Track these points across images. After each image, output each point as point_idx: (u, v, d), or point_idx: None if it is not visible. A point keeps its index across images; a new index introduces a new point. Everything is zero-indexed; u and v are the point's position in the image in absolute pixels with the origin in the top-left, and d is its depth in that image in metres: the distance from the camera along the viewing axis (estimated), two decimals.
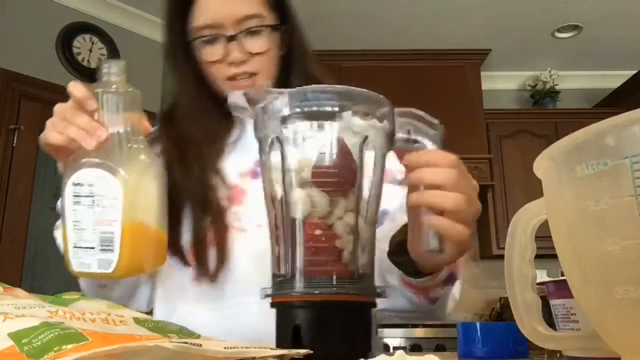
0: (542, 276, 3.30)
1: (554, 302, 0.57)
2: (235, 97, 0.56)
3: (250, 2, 0.86)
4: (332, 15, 3.39)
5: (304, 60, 0.95)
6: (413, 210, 0.60)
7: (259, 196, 0.85)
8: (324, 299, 0.50)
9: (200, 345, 0.34)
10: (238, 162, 0.89)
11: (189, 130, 0.89)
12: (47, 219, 3.14)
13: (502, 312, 3.53)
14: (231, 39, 0.85)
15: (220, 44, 0.85)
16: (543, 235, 0.48)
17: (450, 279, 0.75)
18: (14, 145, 2.83)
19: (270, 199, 0.55)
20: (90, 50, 3.18)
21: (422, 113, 0.57)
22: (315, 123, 0.52)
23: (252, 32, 0.86)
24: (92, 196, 0.61)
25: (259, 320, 0.80)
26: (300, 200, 0.52)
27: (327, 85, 0.54)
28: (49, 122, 0.66)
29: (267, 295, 0.53)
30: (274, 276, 0.54)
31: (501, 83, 4.20)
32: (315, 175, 0.52)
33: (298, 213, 0.52)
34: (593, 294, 0.37)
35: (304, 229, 0.52)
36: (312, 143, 0.52)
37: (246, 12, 0.85)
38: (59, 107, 0.66)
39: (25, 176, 2.86)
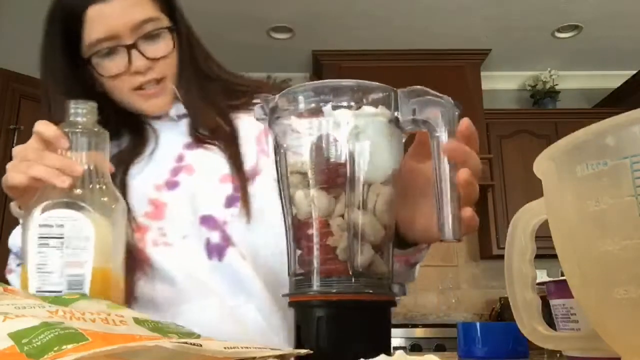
0: (542, 276, 3.29)
1: (554, 302, 0.57)
2: (257, 109, 0.56)
3: (143, 7, 0.82)
4: (332, 15, 3.39)
5: (196, 57, 0.92)
6: (427, 194, 0.57)
7: (178, 207, 0.84)
8: (320, 299, 0.50)
9: (200, 345, 0.34)
10: (153, 174, 0.87)
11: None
12: None
13: (502, 312, 3.53)
14: (131, 47, 0.81)
15: (120, 54, 0.81)
16: (543, 235, 0.48)
17: (428, 245, 0.74)
18: (14, 145, 2.82)
19: (284, 199, 0.55)
20: None
21: (426, 89, 0.53)
22: (300, 122, 0.52)
23: (150, 37, 0.82)
24: (62, 237, 0.60)
25: (204, 323, 0.77)
26: (300, 201, 0.52)
27: (305, 84, 0.52)
28: (9, 166, 0.65)
29: (285, 295, 0.53)
30: (289, 276, 0.54)
31: (501, 83, 4.20)
32: (313, 174, 0.52)
33: (300, 213, 0.52)
34: (593, 294, 0.37)
35: (303, 229, 0.52)
36: (302, 142, 0.52)
37: (141, 16, 0.81)
38: (19, 149, 0.65)
39: None
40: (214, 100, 0.91)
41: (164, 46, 0.84)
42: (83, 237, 0.60)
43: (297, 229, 0.53)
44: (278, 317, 0.82)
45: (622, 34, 3.61)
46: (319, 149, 0.51)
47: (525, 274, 0.48)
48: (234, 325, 0.80)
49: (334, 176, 0.51)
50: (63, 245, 0.60)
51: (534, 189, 0.46)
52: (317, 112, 0.51)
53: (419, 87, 0.52)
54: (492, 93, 4.05)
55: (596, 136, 0.34)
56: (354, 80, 0.52)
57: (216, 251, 0.82)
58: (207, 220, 0.83)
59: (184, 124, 0.89)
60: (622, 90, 3.84)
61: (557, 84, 4.02)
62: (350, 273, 0.50)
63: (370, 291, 0.50)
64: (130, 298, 0.79)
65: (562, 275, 0.44)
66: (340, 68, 3.73)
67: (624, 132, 0.33)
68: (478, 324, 0.68)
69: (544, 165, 0.40)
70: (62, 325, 0.37)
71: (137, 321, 0.48)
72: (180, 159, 0.88)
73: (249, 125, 0.89)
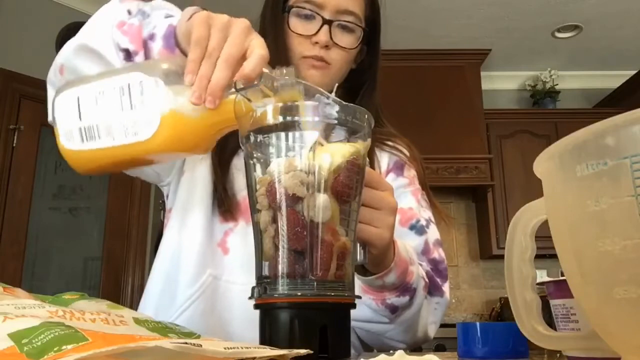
0: (542, 276, 3.29)
1: (554, 302, 0.57)
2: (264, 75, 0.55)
3: (355, 2, 0.91)
4: None
5: (375, 87, 0.99)
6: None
7: None
8: (307, 300, 0.51)
9: (200, 345, 0.34)
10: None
11: None
12: (47, 219, 3.14)
13: (502, 312, 3.53)
14: (327, 22, 0.88)
15: (314, 22, 0.89)
16: (543, 235, 0.48)
17: (407, 289, 0.78)
18: (14, 145, 2.83)
19: (288, 198, 0.54)
20: None
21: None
22: (349, 137, 0.56)
23: (345, 28, 0.90)
24: (133, 98, 0.57)
25: None
26: (326, 206, 0.52)
27: (364, 109, 0.57)
28: (201, 19, 0.60)
29: (250, 298, 0.55)
30: (261, 278, 0.54)
31: (501, 83, 4.20)
32: (339, 184, 0.53)
33: (322, 217, 0.52)
34: (593, 294, 0.37)
35: (324, 232, 0.52)
36: (339, 153, 0.54)
37: (350, 7, 0.90)
38: (241, 27, 0.60)
39: (25, 176, 2.86)
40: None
41: (350, 40, 0.91)
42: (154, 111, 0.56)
43: (315, 234, 0.53)
44: None
45: (622, 34, 3.61)
46: (348, 165, 0.54)
47: (525, 274, 0.48)
48: None
49: (352, 192, 0.55)
50: (134, 101, 0.57)
51: (534, 189, 0.46)
52: (364, 136, 0.57)
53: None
54: (492, 93, 4.05)
55: (596, 136, 0.34)
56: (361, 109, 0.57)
57: None
58: None
59: None
60: (622, 90, 3.84)
61: (557, 84, 4.02)
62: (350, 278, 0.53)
63: (332, 294, 0.52)
64: (221, 245, 0.84)
65: (562, 275, 0.44)
66: None
67: (624, 132, 0.33)
68: (478, 324, 0.67)
69: (543, 165, 0.40)
70: (62, 325, 0.37)
71: (137, 321, 0.48)
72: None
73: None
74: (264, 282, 0.54)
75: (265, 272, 0.54)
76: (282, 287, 0.51)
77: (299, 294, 0.51)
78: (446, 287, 0.91)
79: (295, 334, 0.50)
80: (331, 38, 0.89)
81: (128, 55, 0.70)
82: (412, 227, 0.92)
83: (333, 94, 0.94)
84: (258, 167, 0.55)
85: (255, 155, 0.56)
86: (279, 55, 0.90)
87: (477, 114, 3.71)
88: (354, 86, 0.98)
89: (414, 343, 0.88)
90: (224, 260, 0.85)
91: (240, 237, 0.85)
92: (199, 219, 0.85)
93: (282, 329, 0.51)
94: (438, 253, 0.93)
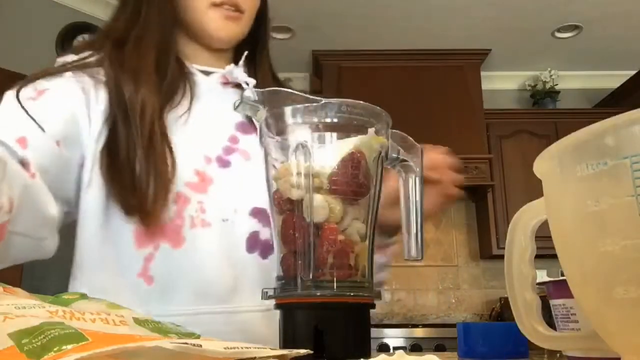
0: (542, 276, 3.28)
1: (554, 302, 0.57)
2: (250, 93, 0.55)
3: None
4: (332, 15, 3.39)
5: (268, 36, 0.96)
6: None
7: (226, 187, 0.77)
8: (331, 300, 0.51)
9: (200, 345, 0.34)
10: (203, 144, 0.79)
11: (144, 64, 0.78)
12: None
13: (502, 312, 3.53)
14: None
15: None
16: (543, 235, 0.48)
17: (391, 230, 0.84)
18: None
19: (285, 202, 0.54)
20: None
21: (404, 135, 0.59)
22: (342, 134, 0.54)
23: None
24: None
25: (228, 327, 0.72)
26: (321, 205, 0.52)
27: (358, 102, 0.55)
28: None
29: (269, 297, 0.54)
30: (279, 278, 0.55)
31: (501, 83, 4.20)
32: (335, 183, 0.53)
33: (317, 217, 0.52)
34: (593, 294, 0.37)
35: (322, 234, 0.52)
36: (334, 152, 0.53)
37: None
38: None
39: None
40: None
41: None
42: None
43: (314, 234, 0.53)
44: None
45: (622, 34, 3.61)
46: (349, 163, 0.54)
47: (525, 274, 0.48)
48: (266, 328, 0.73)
49: (357, 190, 0.54)
50: None
51: (534, 189, 0.46)
52: (359, 130, 0.55)
53: (398, 131, 0.59)
54: (492, 93, 4.05)
55: (596, 136, 0.34)
56: (383, 111, 0.56)
57: (261, 248, 0.77)
58: (261, 214, 0.78)
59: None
60: (622, 90, 3.84)
61: (557, 84, 4.02)
62: (361, 277, 0.52)
63: (351, 294, 0.52)
64: (143, 275, 0.73)
65: (562, 275, 0.44)
66: (340, 68, 3.73)
67: (624, 132, 0.33)
68: (478, 324, 0.68)
69: (543, 165, 0.40)
70: (62, 325, 0.37)
71: (138, 321, 0.48)
72: (234, 140, 0.81)
73: None
74: (278, 283, 0.55)
75: (281, 273, 0.55)
76: (293, 287, 0.52)
77: (318, 293, 0.51)
78: None
79: (297, 334, 0.51)
80: None
81: None
82: None
83: (241, 63, 0.89)
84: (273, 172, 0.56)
85: (268, 159, 0.57)
86: (179, 5, 0.81)
87: (477, 114, 3.71)
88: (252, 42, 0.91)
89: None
90: (148, 291, 0.73)
91: (163, 261, 0.74)
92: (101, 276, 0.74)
93: (282, 329, 0.52)
94: None
